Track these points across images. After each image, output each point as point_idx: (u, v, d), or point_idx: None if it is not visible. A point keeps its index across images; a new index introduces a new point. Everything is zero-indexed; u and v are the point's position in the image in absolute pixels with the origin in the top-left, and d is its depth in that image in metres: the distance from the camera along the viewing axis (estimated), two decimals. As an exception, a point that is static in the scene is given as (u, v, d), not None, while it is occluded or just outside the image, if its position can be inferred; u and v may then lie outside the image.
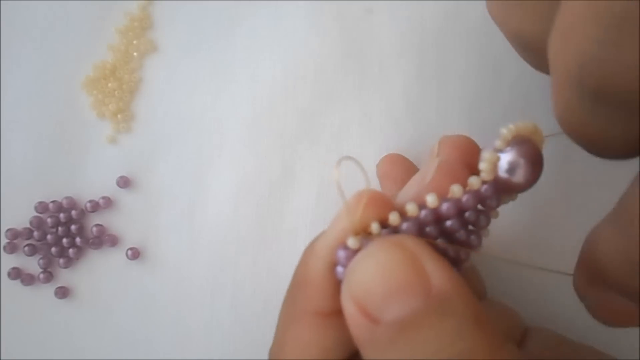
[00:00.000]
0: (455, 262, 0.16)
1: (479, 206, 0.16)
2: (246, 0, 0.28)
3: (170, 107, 0.28)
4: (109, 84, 0.28)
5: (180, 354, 0.26)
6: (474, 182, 0.16)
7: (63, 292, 0.26)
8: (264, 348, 0.26)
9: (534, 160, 0.16)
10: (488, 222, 0.16)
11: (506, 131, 0.16)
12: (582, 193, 0.25)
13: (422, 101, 0.26)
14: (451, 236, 0.16)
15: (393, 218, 0.15)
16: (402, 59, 0.27)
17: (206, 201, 0.27)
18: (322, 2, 0.27)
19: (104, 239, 0.27)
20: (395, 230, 0.15)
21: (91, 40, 0.28)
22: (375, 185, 0.25)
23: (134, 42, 0.28)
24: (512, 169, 0.16)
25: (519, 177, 0.16)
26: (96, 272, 0.27)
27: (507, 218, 0.25)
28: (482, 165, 0.16)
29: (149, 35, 0.28)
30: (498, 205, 0.16)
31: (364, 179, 0.16)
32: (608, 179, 0.25)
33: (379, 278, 0.14)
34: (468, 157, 0.17)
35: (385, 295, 0.14)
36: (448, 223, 0.16)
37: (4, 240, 0.27)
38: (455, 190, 0.16)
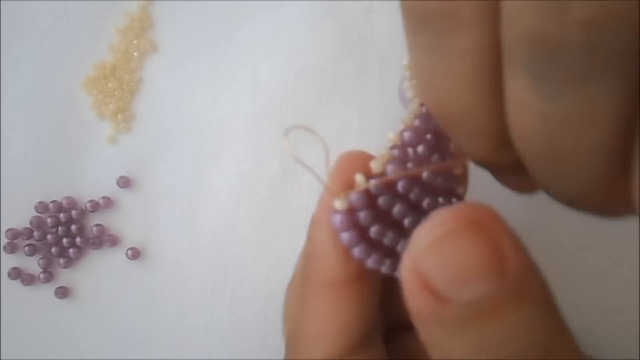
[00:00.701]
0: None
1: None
2: (246, 0, 0.28)
3: (170, 107, 0.28)
4: (109, 84, 0.28)
5: (180, 354, 0.26)
6: (407, 119, 0.16)
7: (63, 292, 0.26)
8: (264, 348, 0.26)
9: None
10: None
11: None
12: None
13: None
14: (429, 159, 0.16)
15: (375, 165, 0.15)
16: (402, 59, 0.27)
17: (206, 201, 0.27)
18: (322, 2, 0.27)
19: (104, 239, 0.27)
20: (382, 176, 0.15)
21: (91, 40, 0.28)
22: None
23: (134, 42, 0.28)
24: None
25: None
26: (96, 272, 0.27)
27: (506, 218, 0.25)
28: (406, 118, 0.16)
29: (149, 35, 0.28)
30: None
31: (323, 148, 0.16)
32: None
33: (455, 261, 0.13)
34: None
35: (460, 278, 0.13)
36: (419, 149, 0.16)
37: (4, 240, 0.27)
38: (407, 119, 0.16)
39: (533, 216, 0.25)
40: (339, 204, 0.15)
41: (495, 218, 0.13)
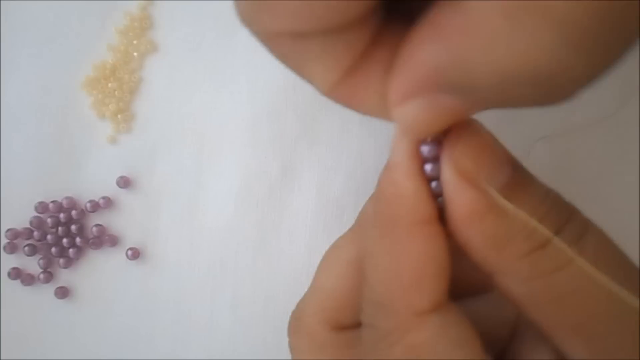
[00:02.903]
0: None
1: None
2: (246, 0, 0.28)
3: (170, 107, 0.28)
4: (109, 84, 0.28)
5: (180, 354, 0.26)
6: None
7: (63, 292, 0.26)
8: (264, 348, 0.26)
9: None
10: None
11: None
12: (582, 192, 0.25)
13: (422, 101, 0.26)
14: None
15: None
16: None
17: (206, 201, 0.27)
18: (322, 2, 0.27)
19: (104, 239, 0.27)
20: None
21: (91, 40, 0.28)
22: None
23: (134, 42, 0.28)
24: None
25: None
26: (96, 272, 0.27)
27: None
28: None
29: (149, 35, 0.28)
30: None
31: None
32: (607, 178, 0.25)
33: (485, 153, 0.16)
34: None
35: (493, 167, 0.16)
36: None
37: (4, 240, 0.27)
38: None
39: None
40: (425, 150, 0.16)
41: (482, 130, 0.17)
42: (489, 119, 0.26)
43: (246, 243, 0.26)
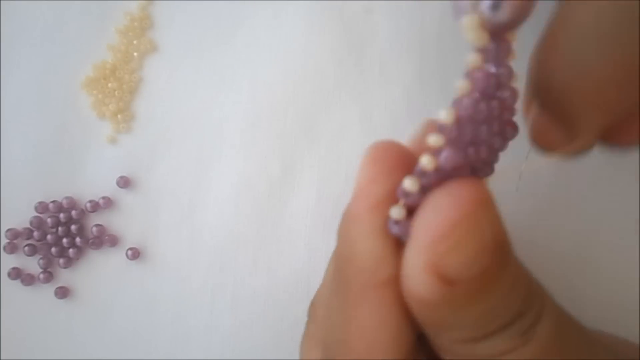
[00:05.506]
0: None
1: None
2: (246, 0, 0.28)
3: (170, 107, 0.28)
4: (109, 84, 0.28)
5: (180, 354, 0.26)
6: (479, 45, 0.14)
7: (63, 292, 0.26)
8: (264, 348, 0.26)
9: None
10: (511, 77, 0.15)
11: None
12: (581, 193, 0.25)
13: (422, 101, 0.26)
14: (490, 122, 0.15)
15: (425, 161, 0.14)
16: (402, 59, 0.27)
17: (206, 201, 0.27)
18: (322, 2, 0.27)
19: (104, 239, 0.27)
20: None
21: (91, 40, 0.28)
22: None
23: (134, 42, 0.28)
24: (495, 6, 0.14)
25: (504, 12, 0.14)
26: (96, 272, 0.27)
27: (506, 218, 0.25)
28: (467, 21, 0.14)
29: (149, 35, 0.28)
30: (509, 52, 0.15)
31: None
32: (609, 178, 0.25)
33: (466, 247, 0.13)
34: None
35: (470, 260, 0.13)
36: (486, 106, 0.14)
37: (4, 240, 0.27)
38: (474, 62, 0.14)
39: (533, 215, 0.25)
40: (396, 212, 0.14)
41: (486, 192, 0.14)
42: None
43: (246, 243, 0.26)
